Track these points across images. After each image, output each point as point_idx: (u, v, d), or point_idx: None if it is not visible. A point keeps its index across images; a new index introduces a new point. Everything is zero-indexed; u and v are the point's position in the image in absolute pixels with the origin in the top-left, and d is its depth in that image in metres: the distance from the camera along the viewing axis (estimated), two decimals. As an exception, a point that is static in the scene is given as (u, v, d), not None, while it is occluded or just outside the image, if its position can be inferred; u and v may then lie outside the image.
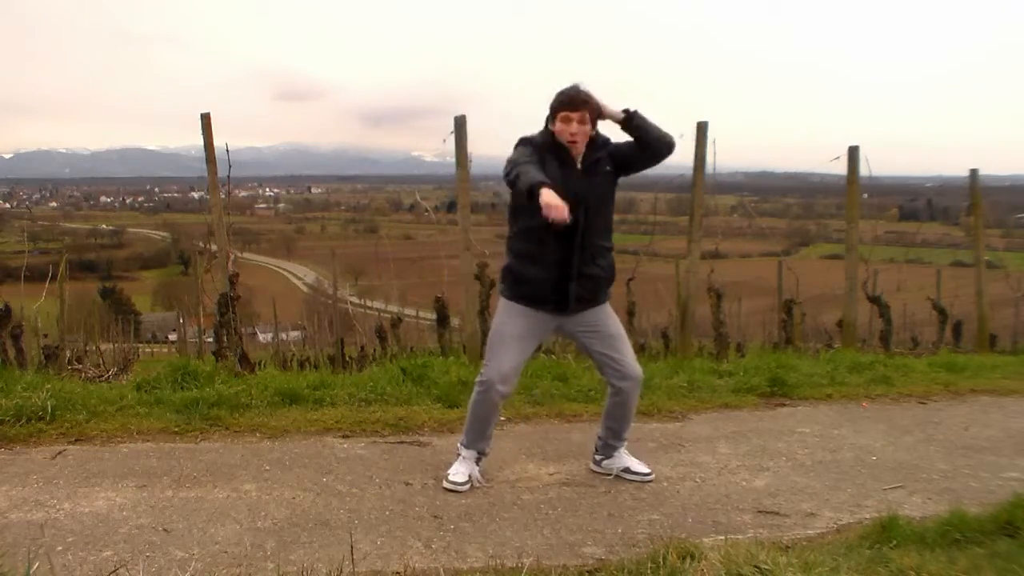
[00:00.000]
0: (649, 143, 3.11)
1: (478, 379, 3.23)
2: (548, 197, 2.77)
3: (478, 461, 3.32)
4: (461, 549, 2.67)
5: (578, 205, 2.96)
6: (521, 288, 3.17)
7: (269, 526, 2.83)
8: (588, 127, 3.06)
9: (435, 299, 5.81)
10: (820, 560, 2.22)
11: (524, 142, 3.10)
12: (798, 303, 6.85)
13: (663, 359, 6.24)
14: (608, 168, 3.14)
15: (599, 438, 3.48)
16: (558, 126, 3.05)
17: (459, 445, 3.35)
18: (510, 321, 3.19)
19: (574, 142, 3.05)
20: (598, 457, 3.49)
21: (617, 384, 3.28)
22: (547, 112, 3.10)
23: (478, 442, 3.30)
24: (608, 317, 3.28)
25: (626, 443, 3.46)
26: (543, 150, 3.07)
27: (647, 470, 3.42)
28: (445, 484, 3.24)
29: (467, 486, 3.23)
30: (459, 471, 3.27)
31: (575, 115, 3.02)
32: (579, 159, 3.10)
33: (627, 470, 3.41)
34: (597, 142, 3.13)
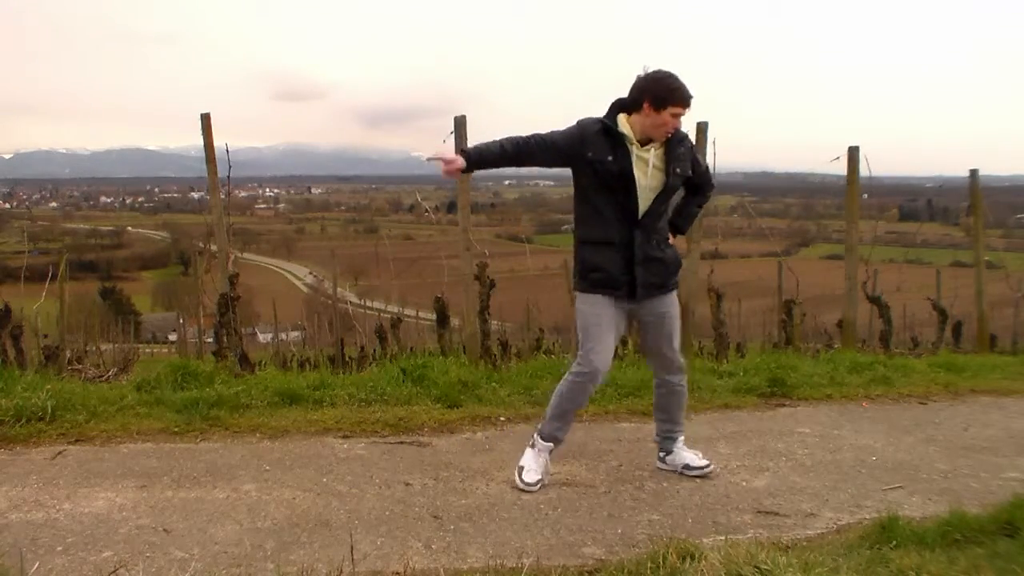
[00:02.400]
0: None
1: (575, 369, 3.18)
2: (442, 152, 3.02)
3: (550, 452, 3.29)
4: (461, 549, 2.67)
5: (640, 189, 3.05)
6: (593, 276, 3.15)
7: (269, 526, 2.83)
8: None
9: (435, 299, 5.81)
10: (820, 560, 2.22)
11: (581, 124, 3.10)
12: (798, 303, 6.84)
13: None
14: (686, 172, 3.15)
15: (657, 435, 3.48)
16: (667, 118, 2.99)
17: (534, 436, 3.29)
18: (593, 311, 3.16)
19: (667, 134, 3.06)
20: (662, 454, 3.49)
21: (665, 377, 3.33)
22: (640, 96, 3.00)
23: (559, 431, 3.26)
24: (674, 307, 3.29)
25: (683, 434, 3.46)
26: (601, 134, 3.05)
27: (704, 463, 3.42)
28: (518, 484, 3.20)
29: (539, 486, 3.20)
30: (532, 468, 3.22)
31: (685, 112, 3.03)
32: (651, 146, 3.08)
33: (687, 467, 3.42)
34: (677, 135, 3.12)
